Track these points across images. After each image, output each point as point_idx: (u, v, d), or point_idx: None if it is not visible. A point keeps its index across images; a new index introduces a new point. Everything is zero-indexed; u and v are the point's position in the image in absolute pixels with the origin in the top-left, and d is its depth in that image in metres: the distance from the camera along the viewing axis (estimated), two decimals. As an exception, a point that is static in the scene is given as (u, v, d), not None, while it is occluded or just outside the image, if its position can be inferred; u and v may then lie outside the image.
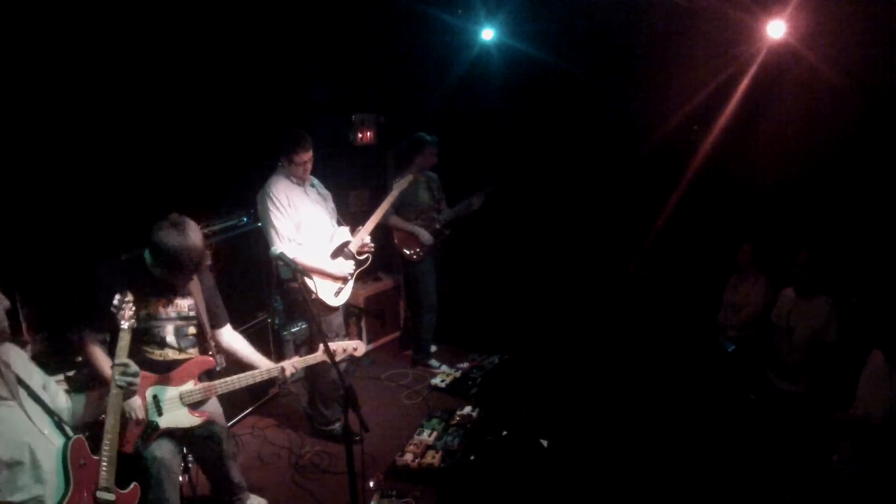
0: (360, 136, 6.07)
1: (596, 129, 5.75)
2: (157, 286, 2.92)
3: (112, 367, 2.45)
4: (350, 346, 3.33)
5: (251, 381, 3.09)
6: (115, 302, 2.50)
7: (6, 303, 2.22)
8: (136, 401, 2.79)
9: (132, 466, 2.76)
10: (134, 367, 2.48)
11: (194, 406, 3.01)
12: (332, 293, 4.06)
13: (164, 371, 2.95)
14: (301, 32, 5.19)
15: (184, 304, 3.02)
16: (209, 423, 3.11)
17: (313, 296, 3.82)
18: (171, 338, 2.99)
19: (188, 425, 3.00)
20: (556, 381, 4.81)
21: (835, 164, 4.59)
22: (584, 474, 3.73)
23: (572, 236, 5.89)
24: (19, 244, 3.48)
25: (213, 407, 3.21)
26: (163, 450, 2.89)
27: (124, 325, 2.53)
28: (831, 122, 4.55)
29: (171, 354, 2.99)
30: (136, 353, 2.84)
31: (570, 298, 5.74)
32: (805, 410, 4.03)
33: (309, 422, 4.43)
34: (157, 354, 2.96)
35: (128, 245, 3.21)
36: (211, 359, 3.09)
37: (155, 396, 2.90)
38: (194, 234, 2.80)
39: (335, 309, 4.12)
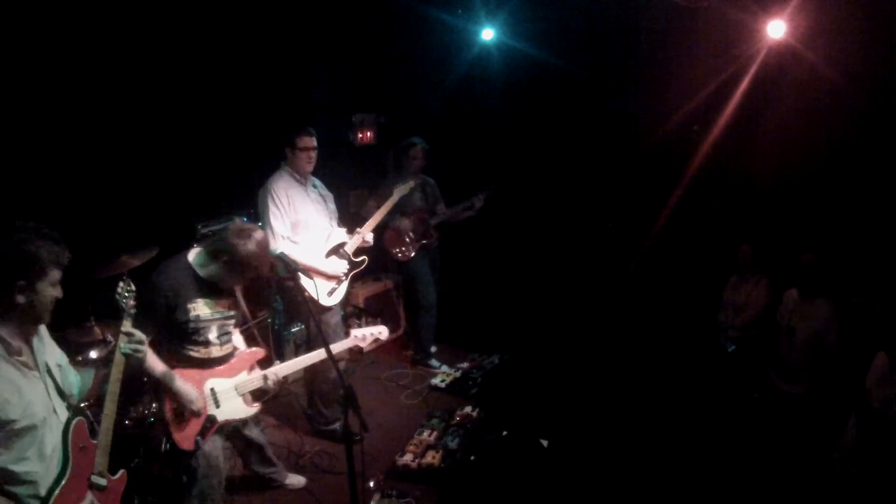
0: (360, 136, 6.07)
1: (596, 129, 5.75)
2: (202, 286, 2.93)
3: (119, 334, 2.43)
4: (376, 331, 3.51)
5: (305, 364, 3.25)
6: (119, 290, 2.47)
7: (60, 293, 2.20)
8: (192, 392, 2.82)
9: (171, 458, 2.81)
10: (139, 335, 2.46)
11: (248, 396, 3.08)
12: (326, 292, 4.07)
13: (206, 368, 3.00)
14: (301, 32, 5.19)
15: (225, 303, 3.04)
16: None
17: (305, 293, 3.84)
18: (213, 336, 3.00)
19: (244, 415, 3.09)
20: (556, 381, 4.80)
21: (834, 163, 4.59)
22: (584, 474, 3.73)
23: (572, 236, 5.89)
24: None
25: None
26: (213, 447, 2.95)
27: (129, 311, 2.49)
28: (831, 121, 4.55)
29: (215, 352, 3.02)
30: (178, 350, 2.91)
31: (570, 298, 5.74)
32: (806, 411, 4.02)
33: (309, 422, 4.42)
34: (202, 353, 2.97)
35: (131, 244, 3.21)
36: (262, 350, 3.21)
37: (212, 389, 2.95)
38: (265, 244, 2.93)
39: (330, 308, 4.13)
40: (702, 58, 5.07)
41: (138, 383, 3.35)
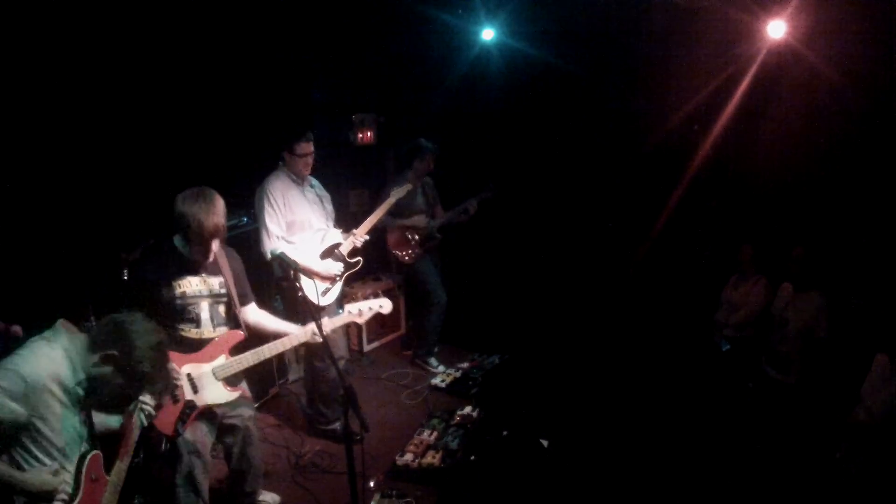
0: (360, 136, 6.07)
1: (596, 129, 5.75)
2: (188, 265, 2.98)
3: (136, 403, 2.49)
4: (375, 304, 3.36)
5: (281, 349, 3.18)
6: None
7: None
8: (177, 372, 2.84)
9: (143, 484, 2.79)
10: (151, 406, 2.54)
11: (228, 381, 3.04)
12: (320, 293, 4.08)
13: (198, 350, 2.99)
14: (301, 32, 5.19)
15: (214, 282, 3.07)
16: (239, 407, 3.15)
17: (300, 293, 3.84)
18: (205, 315, 3.03)
19: (224, 401, 3.04)
20: (556, 381, 4.80)
21: (835, 163, 4.59)
22: (585, 474, 3.73)
23: (572, 236, 5.89)
24: (21, 246, 3.49)
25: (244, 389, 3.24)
26: (195, 433, 2.94)
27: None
28: (831, 121, 4.55)
29: (207, 333, 3.03)
30: (171, 332, 2.89)
31: (569, 298, 5.74)
32: (796, 401, 4.09)
33: (309, 422, 4.43)
34: (194, 333, 3.00)
35: (128, 244, 3.20)
36: (240, 332, 3.14)
37: (189, 374, 2.93)
38: (214, 206, 2.85)
39: (324, 308, 4.13)
40: (702, 58, 5.07)
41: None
